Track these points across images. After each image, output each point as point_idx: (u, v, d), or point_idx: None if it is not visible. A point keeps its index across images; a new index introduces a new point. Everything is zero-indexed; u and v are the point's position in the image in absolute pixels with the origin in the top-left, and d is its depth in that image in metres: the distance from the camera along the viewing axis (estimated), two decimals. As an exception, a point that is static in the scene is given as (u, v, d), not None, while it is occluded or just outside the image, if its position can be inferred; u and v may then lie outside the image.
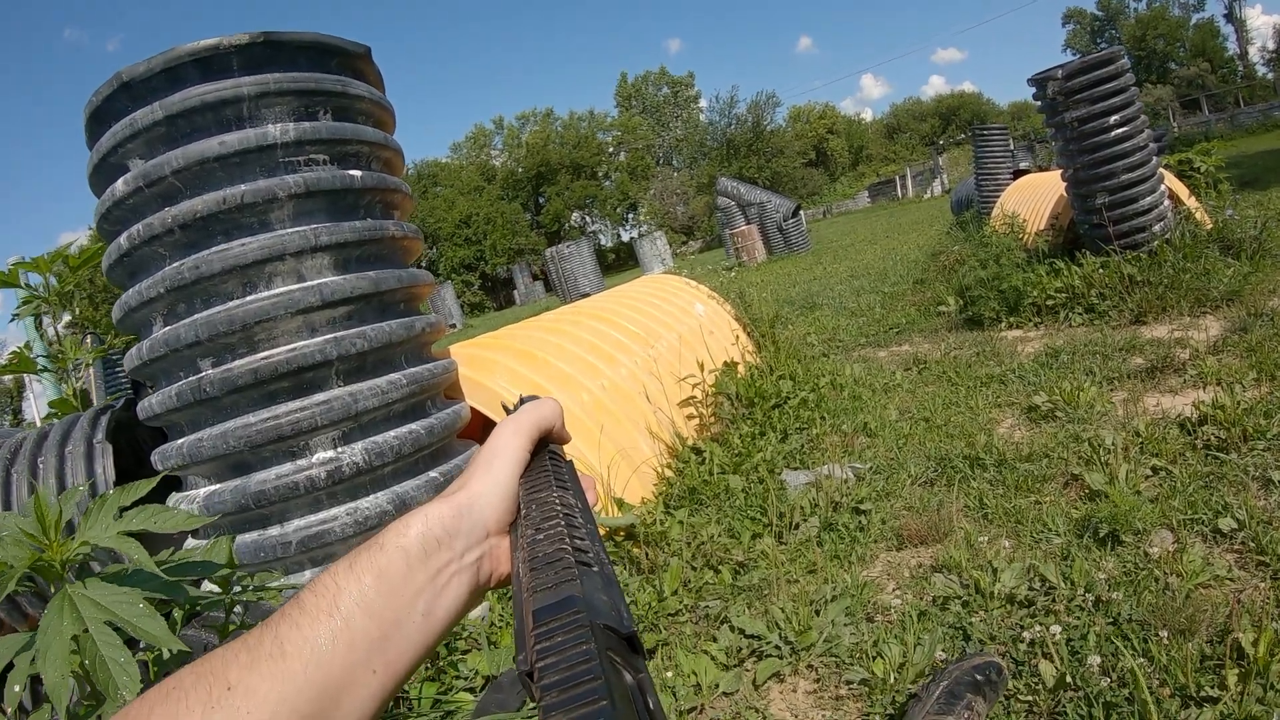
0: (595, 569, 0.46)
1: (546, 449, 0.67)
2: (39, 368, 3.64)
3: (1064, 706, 1.61)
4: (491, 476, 0.59)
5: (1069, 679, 1.65)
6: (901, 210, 30.84)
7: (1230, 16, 53.17)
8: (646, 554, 2.50)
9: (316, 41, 2.13)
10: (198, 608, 1.26)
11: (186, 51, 2.00)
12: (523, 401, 0.69)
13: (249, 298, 2.02)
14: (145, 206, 2.10)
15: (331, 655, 0.48)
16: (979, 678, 1.61)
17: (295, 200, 2.05)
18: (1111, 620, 1.83)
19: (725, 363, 4.14)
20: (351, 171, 2.16)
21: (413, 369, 2.26)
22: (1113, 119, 5.28)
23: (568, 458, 0.69)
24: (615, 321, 3.99)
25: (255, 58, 2.05)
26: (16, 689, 1.03)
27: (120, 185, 2.10)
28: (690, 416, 3.69)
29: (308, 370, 2.03)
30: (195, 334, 2.00)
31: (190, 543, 2.20)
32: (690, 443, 3.40)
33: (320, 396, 2.05)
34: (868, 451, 3.31)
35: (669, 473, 3.16)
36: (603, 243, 59.09)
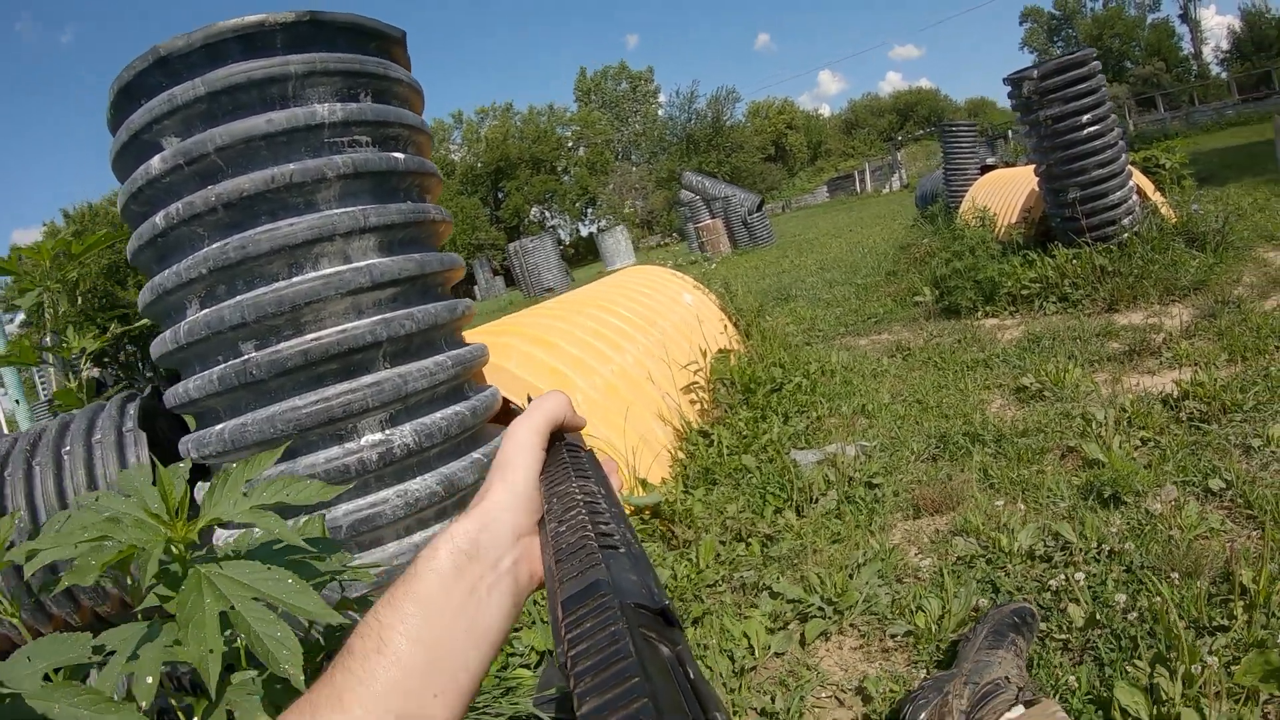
0: (622, 550, 0.46)
1: (562, 441, 0.68)
2: (37, 359, 3.58)
3: (1095, 642, 1.74)
4: (509, 481, 0.60)
5: (1097, 617, 1.79)
6: (861, 205, 31.17)
7: (1185, 17, 54.49)
8: (674, 531, 2.57)
9: (357, 23, 2.15)
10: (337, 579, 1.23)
11: (229, 27, 1.98)
12: (530, 401, 0.69)
13: (295, 278, 2.03)
14: (183, 185, 2.07)
15: (389, 692, 0.49)
16: (1017, 619, 1.74)
17: (343, 181, 2.06)
18: (1125, 568, 1.99)
19: (720, 350, 4.23)
20: (395, 154, 2.19)
21: (455, 351, 2.29)
22: (1085, 117, 5.47)
23: (587, 446, 0.70)
24: (614, 310, 4.05)
25: (299, 36, 2.05)
26: (149, 680, 0.98)
27: (156, 162, 2.06)
28: (692, 402, 3.76)
29: (357, 352, 2.05)
30: (241, 315, 1.99)
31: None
32: (696, 427, 3.47)
33: (369, 378, 2.07)
34: (869, 431, 3.41)
35: (681, 454, 3.23)
36: (563, 238, 58.91)
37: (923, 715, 1.50)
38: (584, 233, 59.76)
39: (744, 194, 20.91)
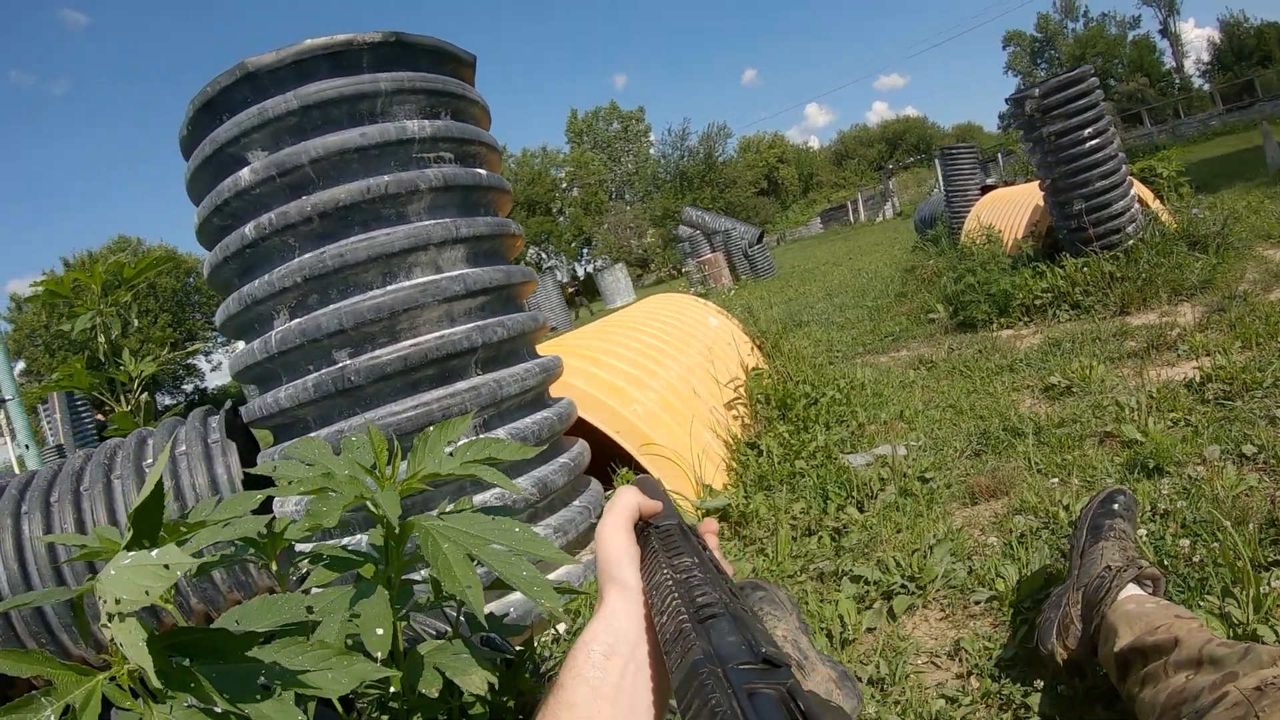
0: (720, 614, 0.49)
1: (651, 527, 0.73)
2: (89, 384, 3.63)
3: (1166, 589, 1.82)
4: (618, 585, 0.65)
5: (1165, 565, 1.92)
6: (855, 234, 31.48)
7: (1165, 31, 55.42)
8: (743, 532, 2.66)
9: (438, 46, 2.28)
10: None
11: (319, 45, 2.09)
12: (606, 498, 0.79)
13: (390, 286, 2.13)
14: (273, 197, 2.15)
15: None
16: (1113, 506, 1.83)
17: (434, 193, 2.18)
18: (1180, 524, 2.12)
19: (753, 368, 4.33)
20: (478, 169, 2.31)
21: (538, 360, 2.39)
22: (1086, 131, 5.69)
23: (675, 517, 0.74)
24: (649, 331, 4.17)
25: (384, 56, 2.17)
26: (379, 631, 0.99)
27: (247, 174, 2.14)
28: (735, 417, 3.86)
29: (454, 357, 2.15)
30: (339, 322, 2.08)
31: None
32: (742, 440, 3.57)
33: (465, 383, 2.17)
34: (910, 435, 3.51)
35: (735, 465, 3.33)
36: (560, 277, 59.24)
37: (1052, 634, 1.58)
38: (580, 272, 60.05)
39: (744, 227, 21.18)
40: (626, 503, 0.73)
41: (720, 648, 0.45)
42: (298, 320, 2.17)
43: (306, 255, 2.14)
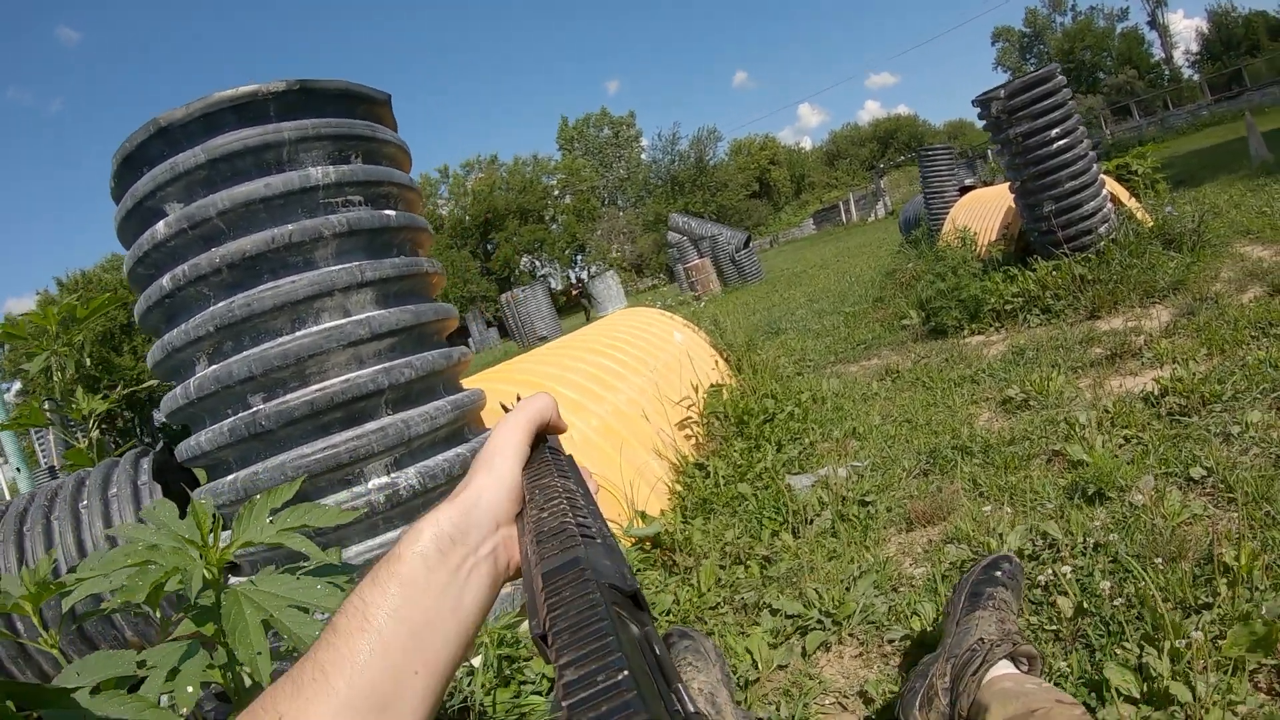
0: (598, 540, 0.49)
1: (545, 443, 0.71)
2: (47, 420, 3.65)
3: (1085, 630, 1.80)
4: (494, 471, 0.63)
5: (1085, 606, 1.86)
6: (847, 234, 31.52)
7: (1153, 23, 55.42)
8: (674, 559, 2.64)
9: (346, 90, 2.27)
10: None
11: (225, 98, 2.11)
12: (519, 399, 0.73)
13: (299, 332, 2.13)
14: (188, 249, 2.18)
15: (370, 666, 0.51)
16: (996, 573, 1.76)
17: (339, 239, 2.17)
18: (1111, 558, 2.05)
19: (712, 385, 4.32)
20: (387, 211, 2.30)
21: (453, 396, 2.38)
22: (1054, 131, 5.62)
23: (567, 452, 0.73)
24: (606, 352, 4.15)
25: (289, 103, 2.18)
26: (189, 690, 1.05)
27: (162, 227, 2.17)
28: (687, 436, 3.84)
29: (361, 400, 2.14)
30: (248, 369, 2.09)
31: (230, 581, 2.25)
32: (691, 460, 3.55)
33: (374, 425, 2.16)
34: (860, 453, 3.49)
35: (679, 487, 3.31)
36: (553, 285, 59.29)
37: (915, 704, 1.53)
38: (574, 279, 60.12)
39: (730, 231, 21.17)
40: (539, 405, 0.71)
41: (595, 562, 0.45)
42: (214, 367, 2.19)
43: (219, 305, 2.16)
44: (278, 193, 2.12)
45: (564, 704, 0.33)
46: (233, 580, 1.29)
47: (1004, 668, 1.46)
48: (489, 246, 59.20)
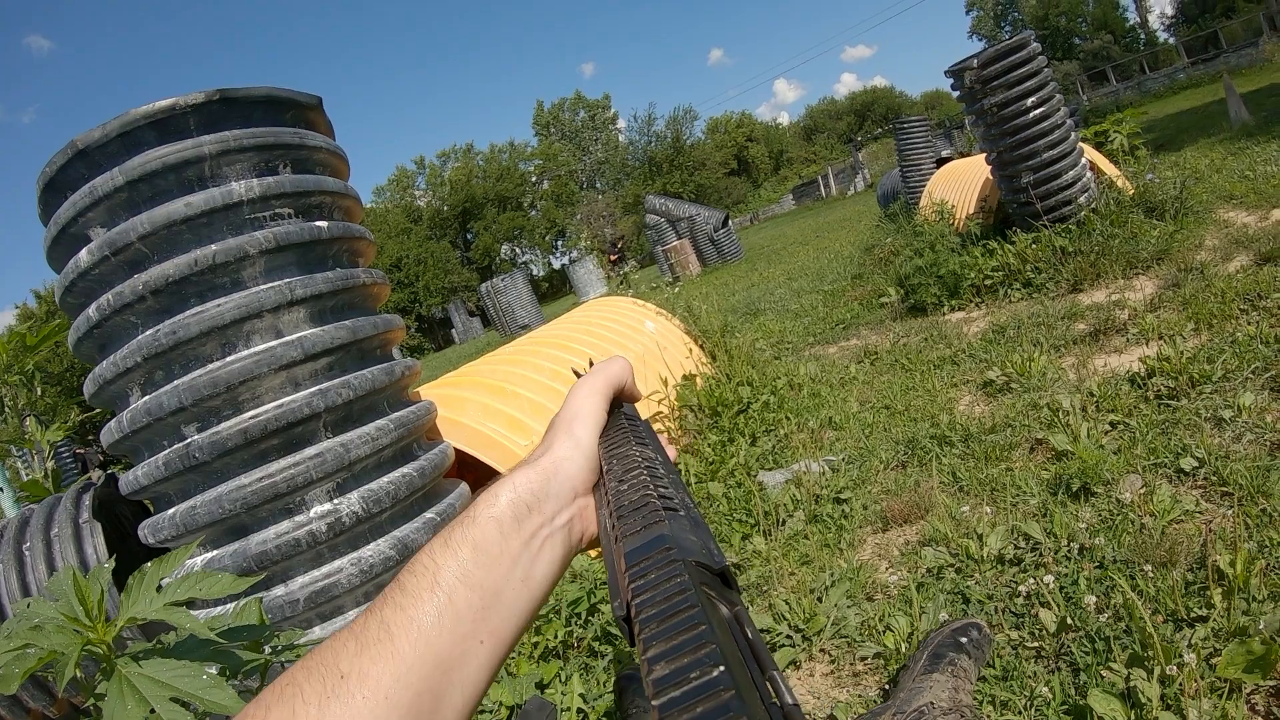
0: (682, 513, 0.47)
1: (620, 408, 0.69)
2: (5, 451, 3.55)
3: (1068, 647, 1.70)
4: (573, 438, 0.60)
5: (1069, 620, 1.75)
6: (827, 209, 31.42)
7: (1128, -13, 55.14)
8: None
9: (270, 96, 2.14)
10: (242, 671, 1.24)
11: (142, 114, 1.98)
12: (591, 365, 0.70)
13: (229, 358, 2.00)
14: (113, 275, 2.06)
15: (438, 631, 0.49)
16: (961, 639, 1.70)
17: (266, 256, 2.04)
18: (1098, 564, 1.95)
19: (684, 376, 4.21)
20: (318, 223, 2.17)
21: (397, 413, 2.26)
22: (1030, 100, 5.51)
23: (642, 417, 0.70)
24: (572, 348, 4.03)
25: (211, 115, 2.05)
26: None
27: (84, 255, 2.05)
28: (658, 432, 3.73)
29: (297, 425, 2.02)
30: (178, 400, 1.97)
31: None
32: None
33: (311, 450, 2.04)
34: (837, 444, 3.40)
35: (649, 487, 3.21)
36: (535, 272, 59.08)
37: None
38: (555, 265, 59.92)
39: (708, 211, 21.04)
40: (616, 370, 0.68)
41: (680, 539, 0.42)
42: (145, 399, 2.07)
43: (146, 334, 2.04)
44: (199, 211, 1.99)
45: (654, 704, 0.30)
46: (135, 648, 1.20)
47: None
48: (468, 236, 58.86)
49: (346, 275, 2.20)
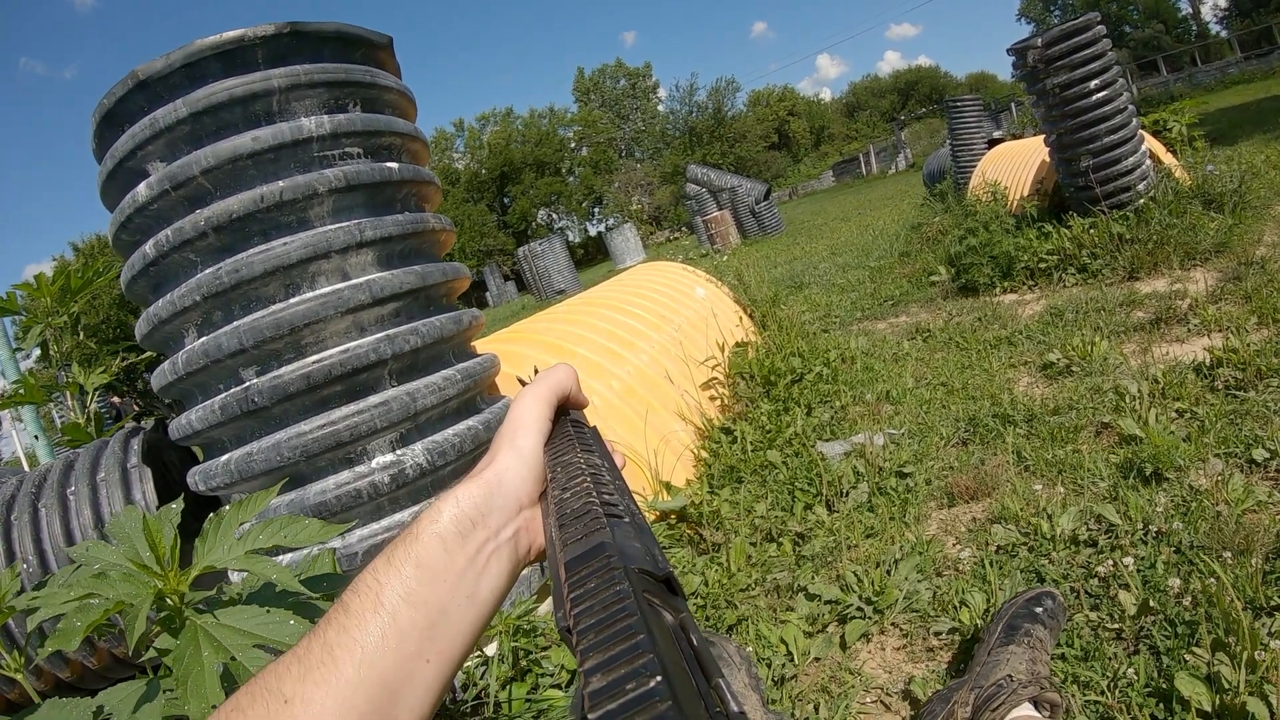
0: (626, 519, 0.45)
1: (567, 416, 0.67)
2: (45, 397, 3.53)
3: (1149, 630, 1.65)
4: (516, 449, 0.59)
5: (1150, 604, 1.70)
6: (868, 187, 31.00)
7: (1182, -25, 53.72)
8: (702, 534, 2.48)
9: (341, 32, 2.07)
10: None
11: (208, 45, 1.90)
12: (536, 373, 0.69)
13: (293, 299, 1.95)
14: (172, 211, 2.00)
15: (382, 652, 0.48)
16: (1036, 609, 1.65)
17: (335, 195, 1.98)
18: (1175, 549, 1.89)
19: (737, 343, 4.14)
20: (389, 164, 2.11)
21: (464, 364, 2.21)
22: (1093, 83, 5.34)
23: (590, 424, 0.69)
24: (626, 309, 3.97)
25: (280, 50, 1.97)
26: None
27: (143, 189, 1.98)
28: (712, 398, 3.67)
29: (362, 371, 1.97)
30: (239, 341, 1.92)
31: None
32: (717, 423, 3.38)
33: (376, 398, 1.99)
34: (895, 419, 3.32)
35: (704, 453, 3.15)
36: (571, 238, 58.98)
37: None
38: (592, 232, 59.80)
39: (750, 183, 20.79)
40: (559, 377, 0.67)
41: (624, 546, 0.41)
42: (202, 340, 2.01)
43: (206, 272, 1.97)
44: (267, 146, 1.92)
45: (589, 716, 0.29)
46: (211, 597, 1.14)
47: (1026, 710, 1.39)
48: (505, 200, 58.74)
49: (416, 219, 2.14)
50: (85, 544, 1.09)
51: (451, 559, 0.52)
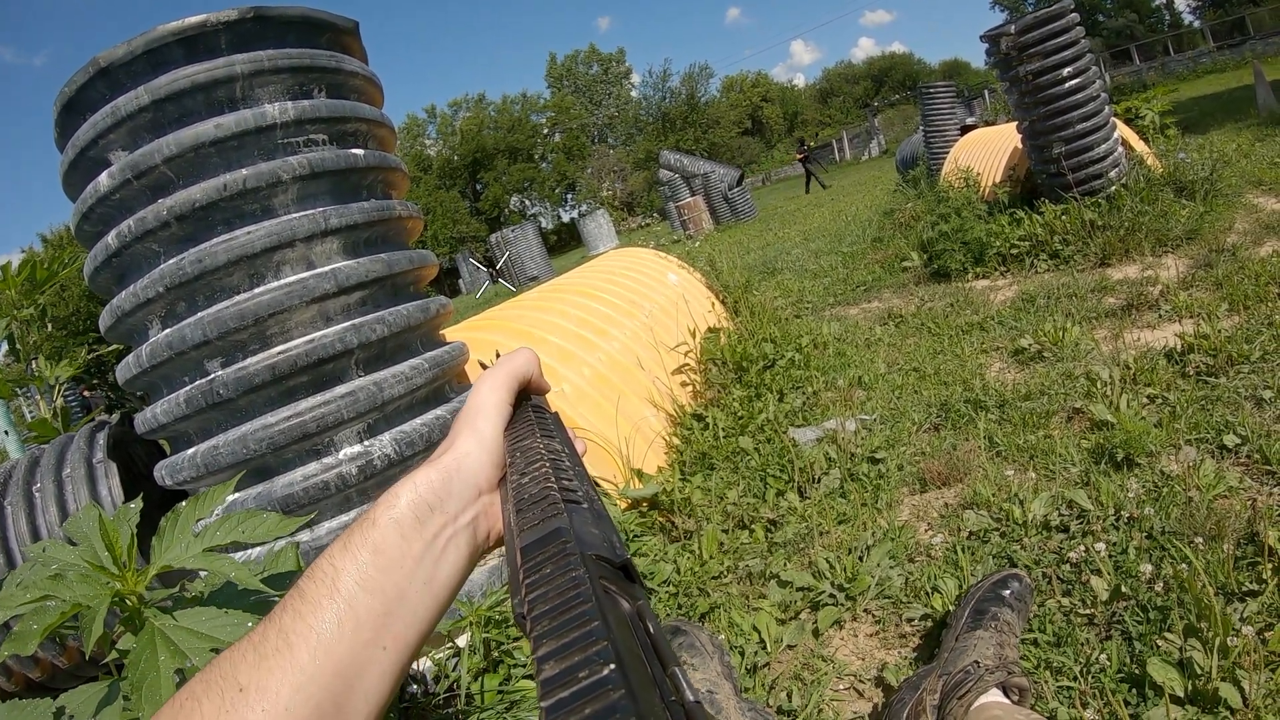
0: (584, 505, 0.45)
1: (528, 401, 0.67)
2: (12, 392, 3.46)
3: (1121, 615, 1.66)
4: (476, 433, 0.59)
5: (1122, 589, 1.71)
6: (841, 173, 31.08)
7: (1155, -34, 54.19)
8: (674, 522, 2.48)
9: (306, 16, 2.02)
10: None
11: (170, 31, 1.85)
12: (498, 357, 0.68)
13: (257, 289, 1.91)
14: (134, 200, 1.95)
15: (338, 639, 0.47)
16: (1004, 592, 1.66)
17: (300, 183, 1.94)
18: (1146, 534, 1.90)
19: (709, 329, 4.13)
20: (354, 150, 2.07)
21: (431, 352, 2.17)
22: (1065, 71, 5.38)
23: (552, 409, 0.69)
24: (598, 295, 3.95)
25: (244, 34, 1.93)
26: None
27: (105, 179, 1.94)
28: (684, 384, 3.67)
29: (328, 361, 1.93)
30: (203, 333, 1.88)
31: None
32: (689, 410, 3.38)
33: (343, 389, 1.96)
34: (867, 404, 3.33)
35: (676, 440, 3.14)
36: (544, 225, 58.72)
37: (902, 716, 1.44)
38: (565, 219, 59.55)
39: (723, 169, 20.75)
40: (521, 361, 0.67)
41: (581, 532, 0.41)
42: (166, 332, 1.97)
43: (169, 262, 1.92)
44: (230, 134, 1.88)
45: (541, 705, 0.29)
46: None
47: (994, 695, 1.39)
48: (478, 186, 58.38)
49: (382, 206, 2.10)
50: (44, 544, 1.06)
51: (408, 545, 0.52)
